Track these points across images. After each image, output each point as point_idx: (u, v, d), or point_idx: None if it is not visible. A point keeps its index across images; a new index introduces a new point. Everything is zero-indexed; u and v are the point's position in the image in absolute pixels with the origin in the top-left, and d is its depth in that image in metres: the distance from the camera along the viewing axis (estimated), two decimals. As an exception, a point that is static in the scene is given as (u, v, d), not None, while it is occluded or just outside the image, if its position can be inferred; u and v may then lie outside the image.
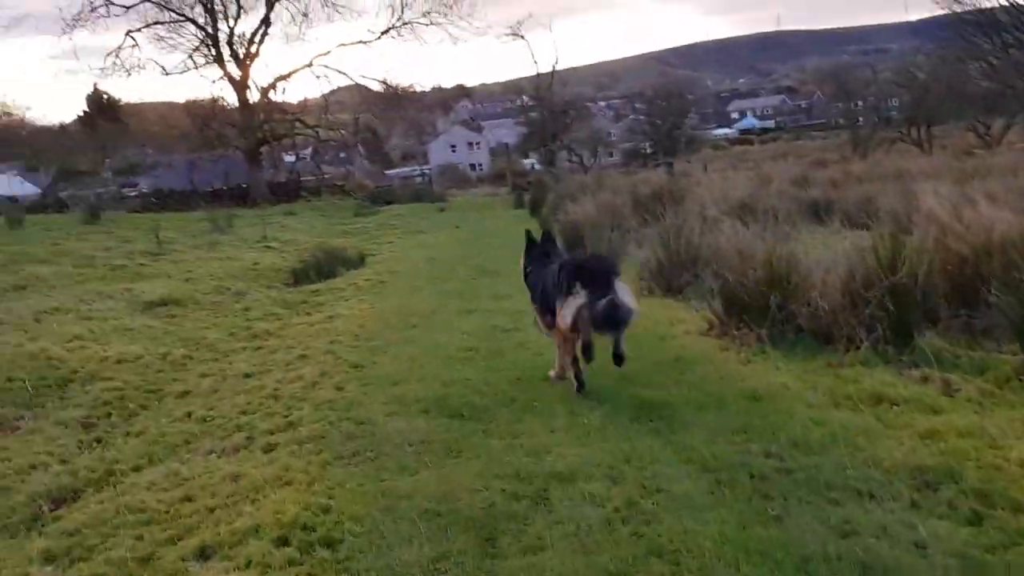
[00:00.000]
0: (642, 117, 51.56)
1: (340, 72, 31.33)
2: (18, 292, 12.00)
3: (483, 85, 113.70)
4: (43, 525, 4.09)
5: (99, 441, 5.43)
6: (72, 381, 6.84)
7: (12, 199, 29.50)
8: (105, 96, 59.22)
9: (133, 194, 30.82)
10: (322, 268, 12.81)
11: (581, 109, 42.71)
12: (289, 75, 30.89)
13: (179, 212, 26.87)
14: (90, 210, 22.62)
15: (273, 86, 30.64)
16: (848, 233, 10.67)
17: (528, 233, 6.34)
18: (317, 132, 32.05)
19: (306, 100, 32.07)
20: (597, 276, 4.94)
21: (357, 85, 32.35)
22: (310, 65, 30.90)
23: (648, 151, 44.86)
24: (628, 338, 5.13)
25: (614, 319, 4.81)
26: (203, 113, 30.91)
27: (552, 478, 3.85)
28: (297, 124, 31.53)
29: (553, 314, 5.19)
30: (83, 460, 4.99)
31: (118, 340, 8.24)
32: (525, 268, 6.13)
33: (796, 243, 7.21)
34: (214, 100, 30.37)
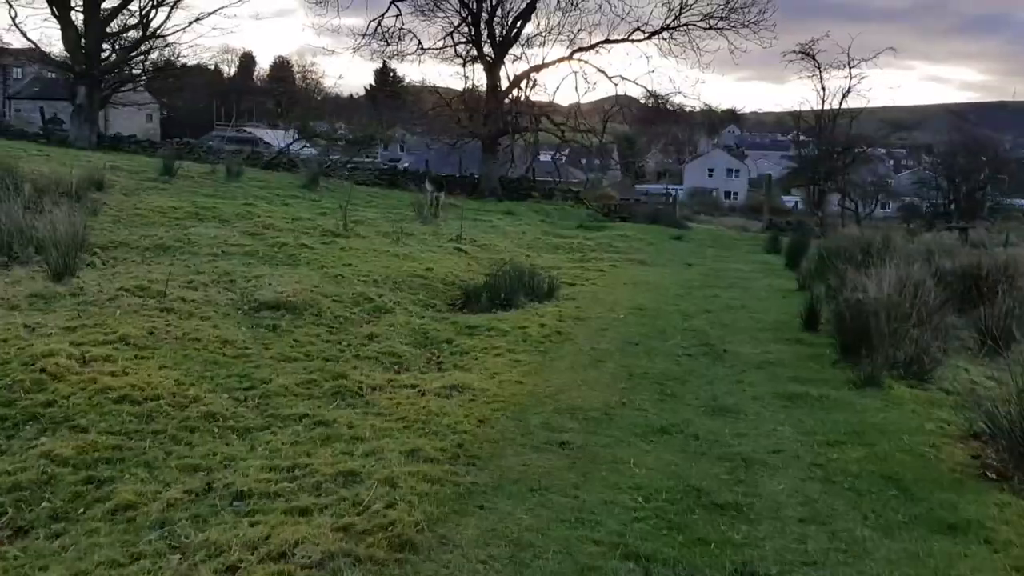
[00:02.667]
0: (929, 171, 44.20)
1: (599, 71, 28.45)
2: (154, 252, 10.29)
3: (754, 113, 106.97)
4: None
5: None
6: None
7: (259, 148, 29.91)
8: (391, 73, 61.62)
9: (367, 167, 30.11)
10: (500, 293, 9.88)
11: (864, 152, 36.89)
12: (545, 66, 28.67)
13: (405, 191, 25.52)
14: (310, 175, 21.58)
15: (527, 75, 28.53)
16: None
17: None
18: (562, 131, 29.51)
19: (553, 98, 29.51)
20: None
21: (617, 92, 29.35)
22: (569, 58, 28.45)
23: (940, 210, 37.92)
24: None
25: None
26: (449, 96, 29.50)
27: None
28: (543, 120, 29.20)
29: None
30: None
31: (147, 363, 5.77)
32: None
33: None
34: (465, 87, 28.80)
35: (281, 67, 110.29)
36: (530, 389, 6.09)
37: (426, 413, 5.24)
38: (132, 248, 10.37)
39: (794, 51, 33.55)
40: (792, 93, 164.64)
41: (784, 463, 4.83)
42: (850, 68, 32.42)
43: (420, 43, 27.86)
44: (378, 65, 55.38)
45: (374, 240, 13.84)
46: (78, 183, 13.55)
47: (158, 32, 26.79)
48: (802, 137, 35.24)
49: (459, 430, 4.92)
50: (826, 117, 33.12)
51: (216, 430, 4.80)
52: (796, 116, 34.27)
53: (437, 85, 30.71)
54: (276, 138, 42.60)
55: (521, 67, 28.61)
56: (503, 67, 28.22)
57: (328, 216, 15.84)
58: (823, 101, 32.72)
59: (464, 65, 28.11)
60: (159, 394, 5.21)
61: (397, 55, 28.24)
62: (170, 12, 26.45)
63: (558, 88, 36.17)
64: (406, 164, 57.13)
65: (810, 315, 9.49)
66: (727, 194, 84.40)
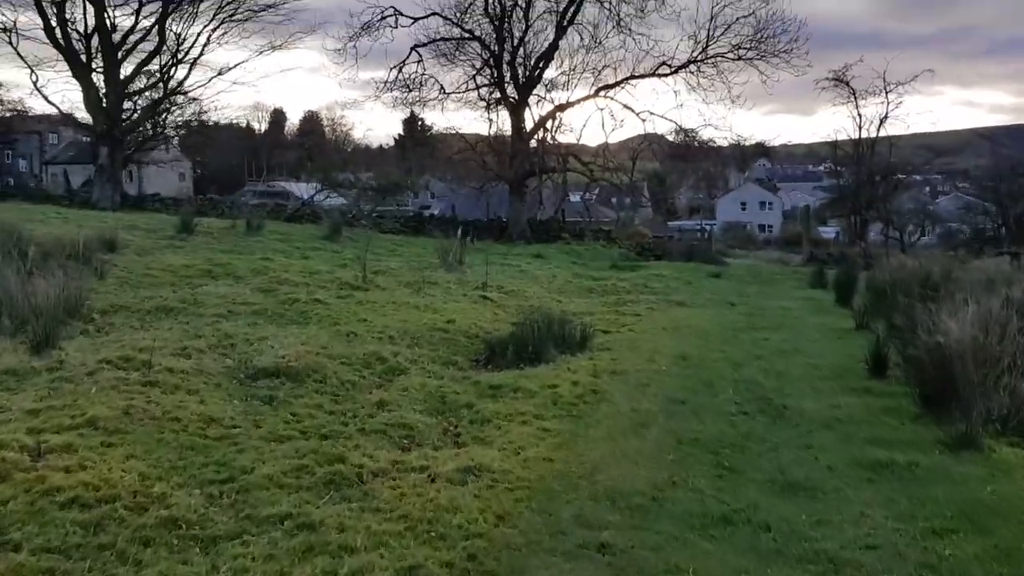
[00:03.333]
0: (975, 196, 42.55)
1: (626, 107, 27.74)
2: (156, 315, 9.58)
3: (784, 145, 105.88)
4: None
5: None
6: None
7: (284, 202, 29.56)
8: (419, 122, 61.91)
9: (393, 215, 29.57)
10: (527, 345, 8.96)
11: (907, 178, 35.51)
12: (570, 105, 28.05)
13: (431, 238, 24.83)
14: (332, 225, 21.00)
15: (552, 115, 27.91)
16: None
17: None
18: (591, 170, 28.76)
19: (579, 137, 28.78)
20: None
21: (646, 128, 28.59)
22: (594, 96, 27.81)
23: (988, 235, 36.30)
24: None
25: None
26: (474, 140, 28.97)
27: None
28: (571, 159, 28.50)
29: None
30: None
31: (112, 452, 4.93)
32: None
33: None
34: (490, 130, 28.25)
35: (310, 121, 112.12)
36: (561, 468, 5.14)
37: (434, 508, 4.31)
38: (133, 312, 9.67)
39: (827, 79, 32.64)
40: (821, 124, 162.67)
41: (884, 565, 3.81)
42: (887, 93, 31.43)
43: (442, 87, 27.47)
44: (406, 115, 55.46)
45: (395, 291, 13.05)
46: (86, 244, 12.99)
47: (179, 89, 26.71)
48: (839, 168, 34.00)
49: (472, 532, 3.98)
50: (864, 145, 31.99)
51: (176, 542, 3.91)
52: (833, 145, 33.12)
53: (463, 131, 30.19)
54: (303, 191, 42.60)
55: (546, 107, 28.07)
56: (527, 108, 27.68)
57: (348, 268, 15.14)
58: (860, 128, 31.66)
59: (488, 108, 27.60)
60: (116, 494, 4.35)
61: (420, 102, 27.87)
62: (190, 69, 26.41)
63: (584, 126, 35.54)
64: (435, 211, 56.96)
65: (877, 360, 8.43)
66: (761, 227, 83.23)
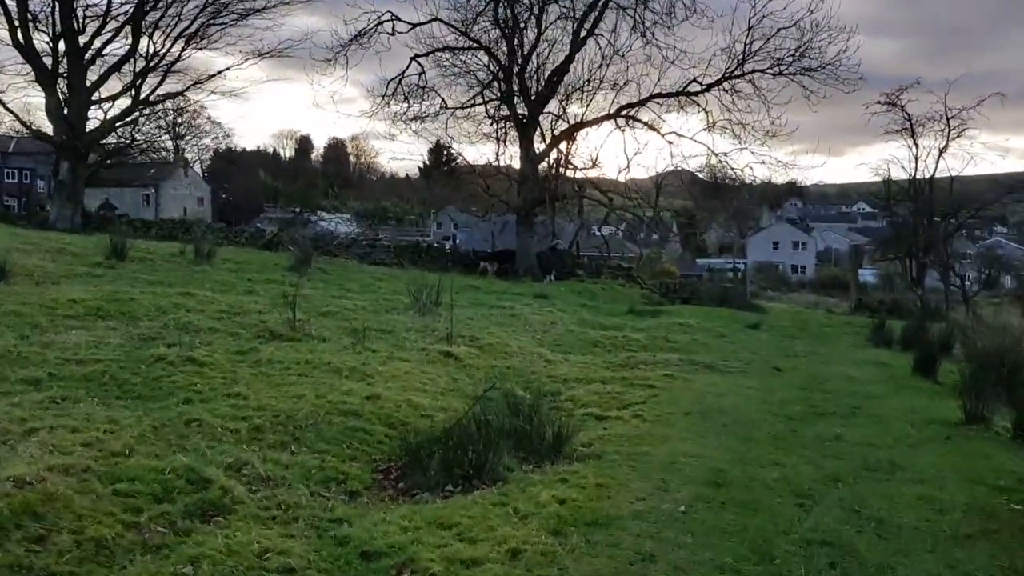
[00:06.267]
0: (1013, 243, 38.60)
1: (651, 127, 24.47)
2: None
3: (815, 185, 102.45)
4: None
5: None
6: None
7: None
8: (445, 151, 59.54)
9: (384, 243, 26.45)
10: (466, 451, 5.60)
11: (976, 217, 31.64)
12: (587, 124, 24.84)
13: (422, 271, 21.62)
14: (300, 255, 17.88)
15: (567, 135, 24.73)
16: None
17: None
18: (610, 199, 25.47)
19: (596, 160, 25.47)
20: None
21: (672, 156, 25.34)
22: (615, 116, 24.58)
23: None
24: None
25: None
26: (482, 168, 25.87)
27: None
28: (587, 187, 25.29)
29: None
30: None
31: None
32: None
33: None
34: (498, 153, 25.13)
35: (334, 148, 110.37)
36: None
37: None
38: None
39: (879, 102, 28.94)
40: (851, 164, 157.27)
41: None
42: (947, 119, 27.65)
43: (444, 101, 24.41)
44: (432, 144, 52.92)
45: (328, 343, 9.79)
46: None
47: (151, 99, 23.91)
48: (892, 201, 29.99)
49: None
50: (919, 180, 28.09)
51: None
52: (887, 181, 29.15)
53: (487, 159, 27.01)
54: (328, 219, 40.24)
55: (560, 127, 24.92)
56: (538, 128, 24.55)
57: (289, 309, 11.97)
58: (916, 159, 27.84)
59: (494, 124, 24.53)
60: None
61: (418, 118, 24.77)
62: (164, 77, 23.55)
63: (601, 146, 32.23)
64: (458, 240, 54.11)
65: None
66: (794, 268, 79.95)
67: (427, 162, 69.79)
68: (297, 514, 4.57)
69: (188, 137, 71.98)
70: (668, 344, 13.06)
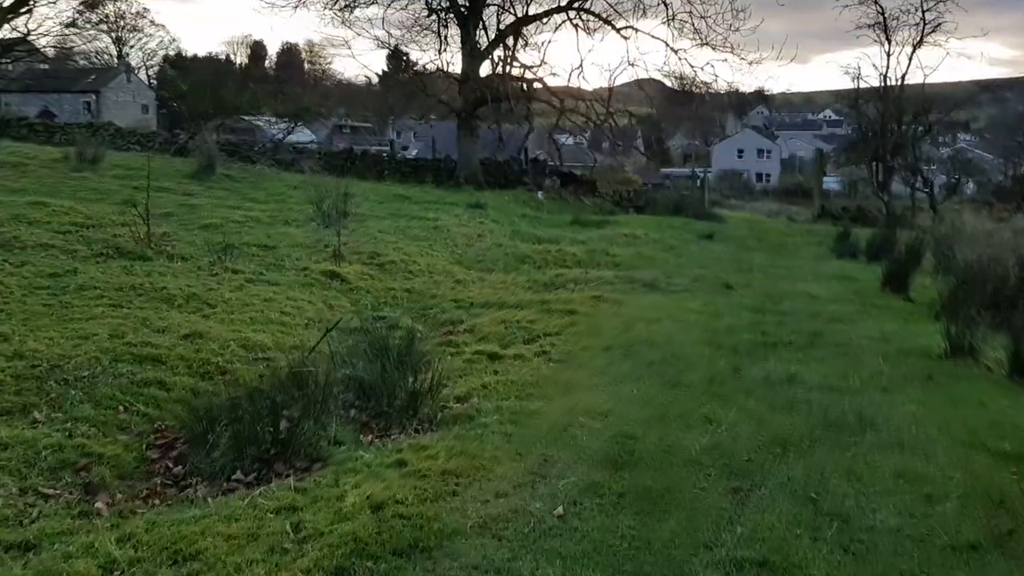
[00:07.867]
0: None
1: (606, 21, 22.21)
2: None
3: (782, 94, 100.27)
4: None
5: None
6: None
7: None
8: (404, 58, 56.35)
9: (314, 150, 24.19)
10: (269, 423, 3.96)
11: (944, 119, 29.89)
12: (536, 18, 22.51)
13: (364, 180, 19.61)
14: (204, 160, 15.82)
15: (514, 29, 22.40)
16: None
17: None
18: (561, 100, 23.35)
19: (543, 56, 23.18)
20: None
21: (629, 47, 23.17)
22: (566, 8, 22.26)
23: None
24: None
25: None
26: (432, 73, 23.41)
27: None
28: (536, 86, 23.11)
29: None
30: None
31: None
32: None
33: None
34: (439, 51, 22.67)
35: (287, 54, 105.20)
36: None
37: None
38: None
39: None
40: (819, 71, 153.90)
41: None
42: (923, 11, 25.44)
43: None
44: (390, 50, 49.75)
45: (187, 263, 8.03)
46: None
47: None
48: (860, 102, 28.08)
49: None
50: (890, 80, 26.21)
51: None
52: (856, 78, 27.25)
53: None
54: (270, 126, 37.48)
55: (506, 20, 22.57)
56: (481, 22, 22.20)
57: (168, 220, 10.16)
58: (888, 56, 25.81)
59: (431, 15, 22.12)
60: None
61: (349, 7, 22.17)
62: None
63: (550, 42, 29.62)
64: (415, 151, 51.52)
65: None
66: (759, 176, 78.60)
67: (385, 69, 66.34)
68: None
69: (132, 42, 67.47)
70: (607, 259, 11.46)
